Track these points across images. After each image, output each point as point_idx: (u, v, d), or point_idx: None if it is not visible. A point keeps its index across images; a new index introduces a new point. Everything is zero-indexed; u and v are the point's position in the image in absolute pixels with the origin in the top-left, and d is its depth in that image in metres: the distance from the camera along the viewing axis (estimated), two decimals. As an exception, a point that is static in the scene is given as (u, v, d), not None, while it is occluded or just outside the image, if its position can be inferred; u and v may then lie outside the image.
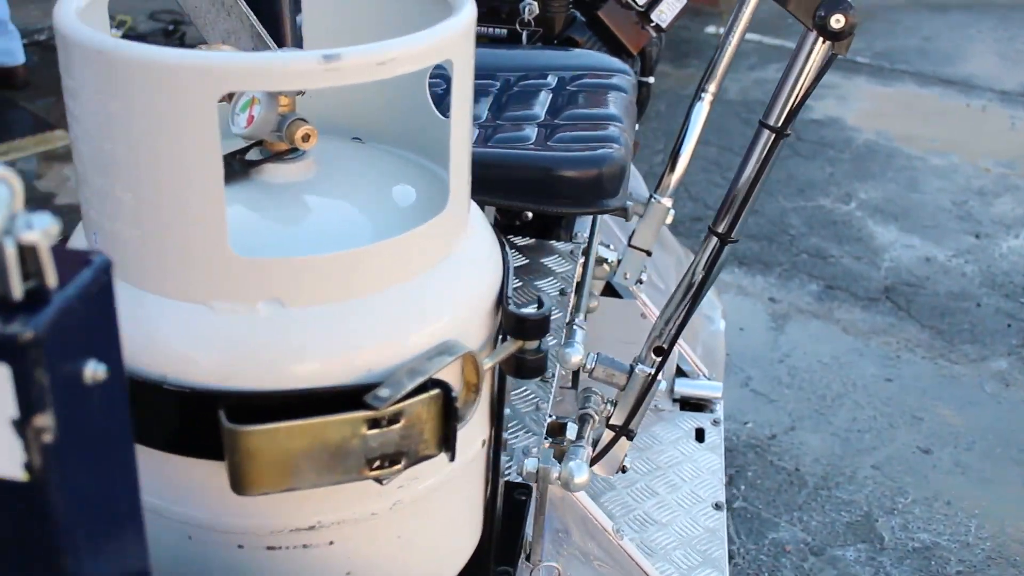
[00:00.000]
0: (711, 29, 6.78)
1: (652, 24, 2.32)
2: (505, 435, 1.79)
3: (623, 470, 1.86)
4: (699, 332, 2.72)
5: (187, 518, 1.09)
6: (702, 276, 1.65)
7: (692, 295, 1.66)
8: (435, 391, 1.06)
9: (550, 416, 1.85)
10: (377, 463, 1.07)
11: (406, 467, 1.08)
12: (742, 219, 1.58)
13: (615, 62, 2.06)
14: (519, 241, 2.44)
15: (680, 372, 2.57)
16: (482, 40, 2.29)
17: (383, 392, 1.04)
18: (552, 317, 1.87)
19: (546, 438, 1.80)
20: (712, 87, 2.24)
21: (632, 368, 1.75)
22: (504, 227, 2.47)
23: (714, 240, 1.61)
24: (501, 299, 1.20)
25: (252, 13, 1.54)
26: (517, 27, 2.26)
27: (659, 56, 2.49)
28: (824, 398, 3.55)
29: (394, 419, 1.05)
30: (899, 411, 3.50)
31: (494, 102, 1.91)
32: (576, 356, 1.76)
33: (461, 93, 1.08)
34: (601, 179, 1.64)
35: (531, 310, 1.18)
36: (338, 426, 1.03)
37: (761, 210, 4.67)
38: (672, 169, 2.26)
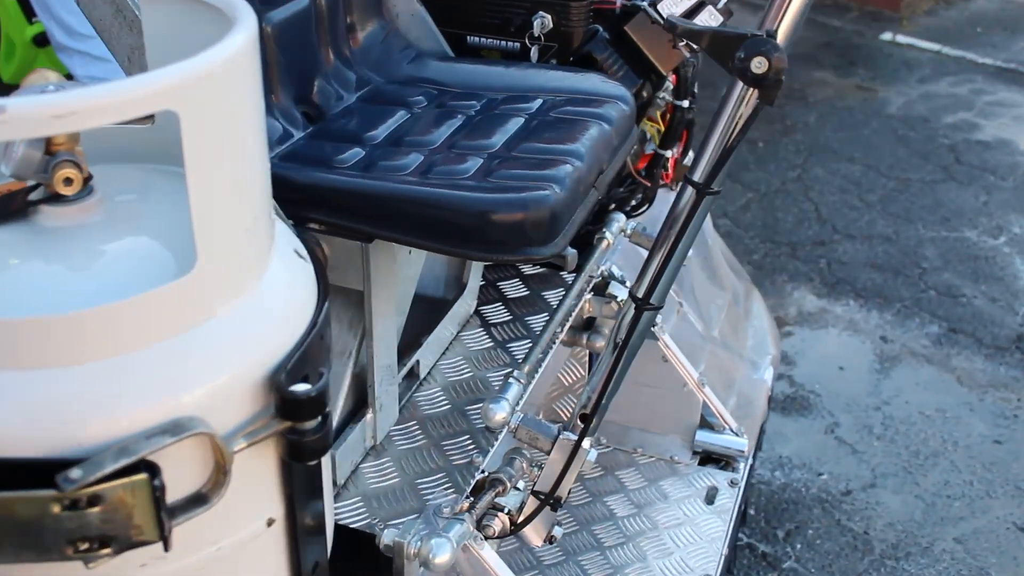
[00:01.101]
0: (887, 36, 6.32)
1: (684, 43, 2.12)
2: (431, 494, 1.67)
3: (551, 540, 1.70)
4: (735, 379, 2.49)
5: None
6: (619, 344, 1.47)
7: (613, 362, 1.48)
8: (140, 476, 0.96)
9: (481, 472, 1.71)
10: (80, 545, 0.97)
11: (117, 552, 0.99)
12: (661, 286, 1.40)
13: (613, 88, 1.88)
14: (528, 269, 2.30)
15: (704, 423, 2.36)
16: (493, 54, 2.16)
17: (74, 473, 0.94)
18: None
19: (468, 497, 1.66)
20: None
21: (558, 433, 1.59)
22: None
23: (632, 307, 1.43)
24: (293, 367, 1.08)
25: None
26: (527, 42, 2.11)
27: (695, 77, 2.28)
28: (917, 455, 3.22)
29: (94, 501, 0.95)
30: (1001, 479, 3.13)
31: (463, 125, 1.77)
32: (499, 414, 1.61)
33: (198, 150, 0.96)
34: (523, 225, 1.49)
35: (301, 387, 1.06)
36: (26, 503, 0.94)
37: (894, 238, 4.30)
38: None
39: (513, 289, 2.21)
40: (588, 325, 2.27)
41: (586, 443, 1.56)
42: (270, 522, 1.15)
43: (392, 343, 1.74)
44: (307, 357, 1.10)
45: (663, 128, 2.33)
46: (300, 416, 1.06)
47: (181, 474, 1.02)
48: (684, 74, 2.21)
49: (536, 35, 2.08)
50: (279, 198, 1.57)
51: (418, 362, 1.90)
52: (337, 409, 1.71)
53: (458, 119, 1.81)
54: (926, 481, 3.12)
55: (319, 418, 1.08)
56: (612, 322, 2.24)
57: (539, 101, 1.86)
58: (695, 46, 1.31)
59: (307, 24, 1.85)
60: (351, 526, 1.61)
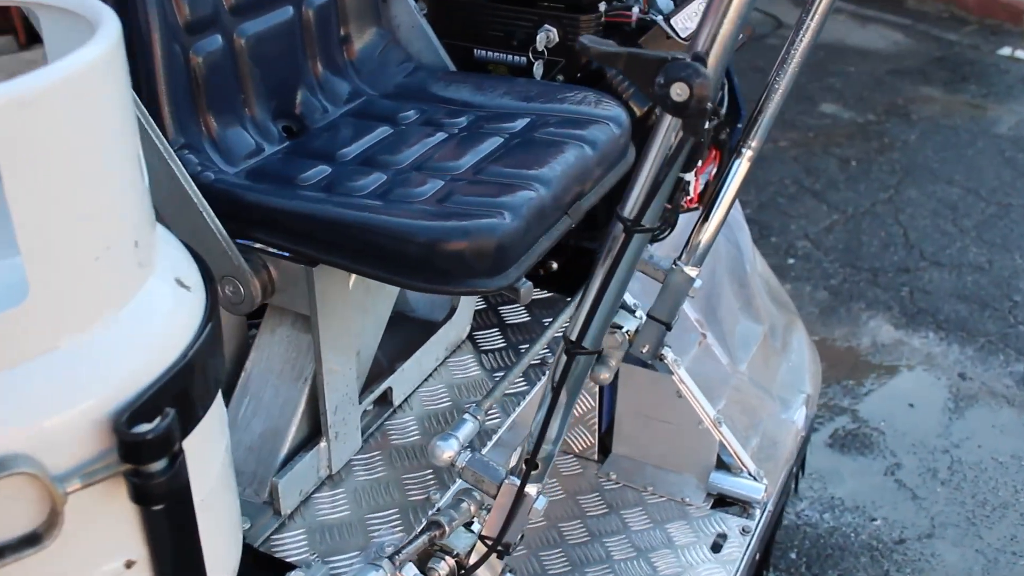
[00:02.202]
0: (1005, 51, 5.97)
1: (697, 62, 1.99)
2: (378, 532, 1.60)
3: (502, 588, 1.60)
4: (761, 418, 2.33)
5: None
6: (554, 390, 1.36)
7: (549, 408, 1.37)
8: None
9: (436, 511, 1.63)
10: None
11: (-69, 596, 0.94)
12: (595, 330, 1.28)
13: (606, 108, 1.76)
14: (536, 294, 2.20)
15: (721, 464, 2.22)
16: (500, 69, 2.06)
17: None
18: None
19: (424, 532, 1.58)
20: (755, 143, 1.89)
21: (504, 477, 1.49)
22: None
23: (563, 352, 1.32)
24: (143, 405, 1.02)
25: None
26: (530, 56, 2.01)
27: (716, 98, 2.13)
28: (984, 504, 2.99)
29: None
30: (1075, 537, 2.88)
31: (440, 144, 1.69)
32: (446, 452, 1.52)
33: (20, 181, 0.90)
34: (465, 256, 1.39)
35: (143, 427, 1.00)
36: None
37: (986, 267, 4.03)
38: (699, 233, 1.94)
39: (513, 315, 2.12)
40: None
41: (533, 489, 1.45)
42: (129, 564, 1.09)
43: (350, 370, 1.66)
44: (163, 394, 1.04)
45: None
46: (141, 459, 1.00)
47: (11, 513, 0.97)
48: (703, 93, 2.07)
49: (540, 50, 1.98)
50: (225, 215, 1.52)
51: (391, 389, 1.82)
52: (289, 435, 1.65)
53: (437, 137, 1.73)
54: (990, 534, 2.89)
55: (166, 460, 1.02)
56: (617, 352, 2.13)
57: (526, 120, 1.76)
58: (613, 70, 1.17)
59: (290, 35, 1.80)
60: (287, 560, 1.54)
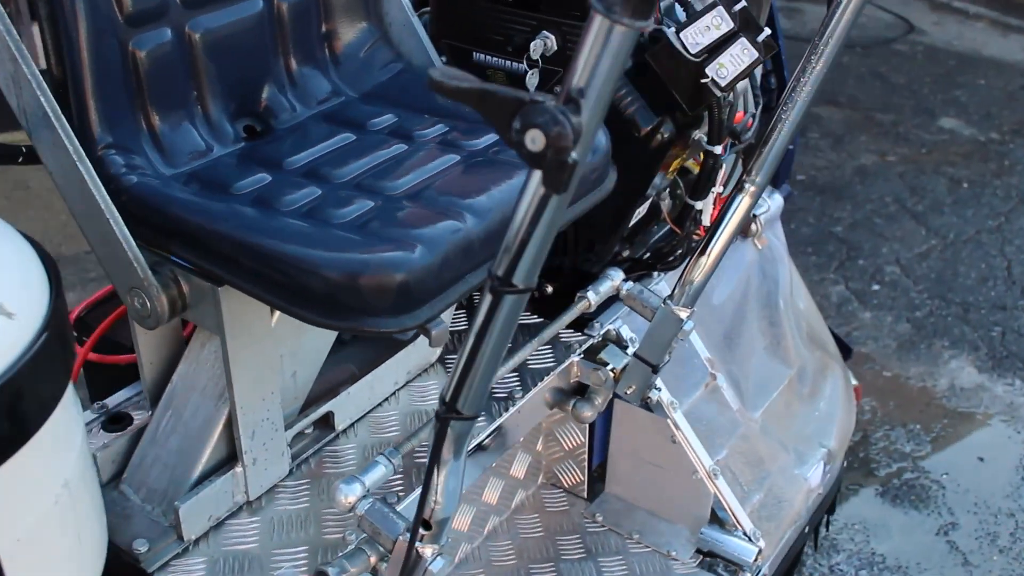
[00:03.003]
0: None
1: (709, 79, 1.80)
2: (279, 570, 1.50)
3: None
4: (769, 471, 2.13)
5: None
6: (430, 459, 1.21)
7: (427, 473, 1.23)
8: None
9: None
10: None
11: None
12: (472, 393, 1.13)
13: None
14: (524, 319, 2.05)
15: (715, 518, 2.04)
16: (498, 75, 1.91)
17: None
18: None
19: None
20: (759, 177, 1.71)
21: (400, 534, 1.36)
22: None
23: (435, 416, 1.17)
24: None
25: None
26: (524, 64, 1.85)
27: (730, 121, 1.93)
28: (1044, 580, 2.71)
29: None
30: None
31: (392, 159, 1.56)
32: (348, 497, 1.40)
33: None
34: (361, 291, 1.26)
35: None
36: None
37: (1092, 310, 3.67)
38: (692, 271, 1.77)
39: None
40: (580, 390, 2.00)
41: (428, 551, 1.32)
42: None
43: (271, 393, 1.56)
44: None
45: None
46: None
47: None
48: (716, 116, 1.88)
49: (534, 58, 1.83)
50: (142, 222, 1.43)
51: (332, 413, 1.71)
52: (202, 457, 1.55)
53: (395, 150, 1.60)
54: (1045, 615, 2.62)
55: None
56: (603, 391, 1.97)
57: (494, 137, 1.62)
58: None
59: (257, 29, 1.69)
60: (178, 593, 1.46)
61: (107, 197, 1.39)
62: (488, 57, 1.91)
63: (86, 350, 1.94)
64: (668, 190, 2.06)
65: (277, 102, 1.73)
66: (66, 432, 1.17)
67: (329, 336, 1.68)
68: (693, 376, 2.13)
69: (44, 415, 1.10)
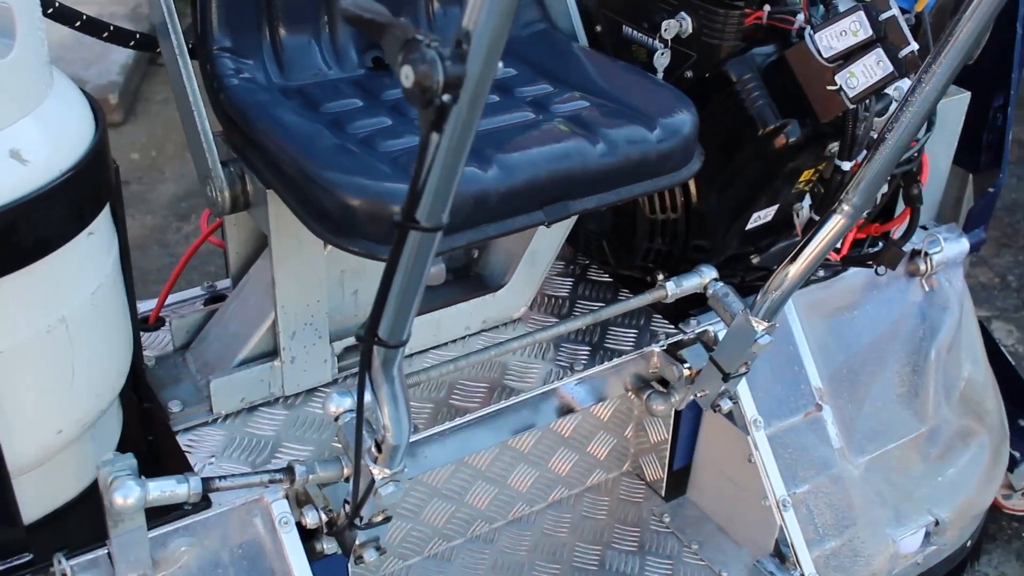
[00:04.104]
0: None
1: (838, 87, 1.69)
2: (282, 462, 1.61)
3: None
4: (854, 521, 1.96)
5: None
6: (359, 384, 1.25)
7: (358, 395, 1.27)
8: None
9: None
10: None
11: None
12: (391, 324, 1.15)
13: (670, 114, 1.57)
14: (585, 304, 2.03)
15: (778, 551, 1.92)
16: (641, 51, 1.86)
17: None
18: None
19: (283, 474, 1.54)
20: (856, 199, 1.60)
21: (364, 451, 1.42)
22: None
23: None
24: None
25: None
26: (656, 42, 1.79)
27: (865, 137, 1.76)
28: None
29: None
30: None
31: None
32: (333, 407, 1.47)
33: None
34: (356, 213, 1.31)
35: None
36: None
37: None
38: (773, 285, 1.69)
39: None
40: (663, 383, 1.96)
41: (378, 473, 1.37)
42: None
43: (316, 301, 1.66)
44: None
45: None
46: None
47: None
48: (849, 128, 1.75)
49: (665, 37, 1.79)
50: (232, 123, 1.58)
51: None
52: (249, 343, 1.69)
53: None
54: None
55: None
56: (680, 387, 1.91)
57: (580, 103, 1.62)
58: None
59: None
60: (188, 454, 1.61)
61: (196, 89, 1.55)
62: (634, 32, 1.89)
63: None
64: (806, 202, 1.95)
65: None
66: (72, 272, 1.32)
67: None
68: (795, 401, 2.01)
69: (45, 250, 1.26)
